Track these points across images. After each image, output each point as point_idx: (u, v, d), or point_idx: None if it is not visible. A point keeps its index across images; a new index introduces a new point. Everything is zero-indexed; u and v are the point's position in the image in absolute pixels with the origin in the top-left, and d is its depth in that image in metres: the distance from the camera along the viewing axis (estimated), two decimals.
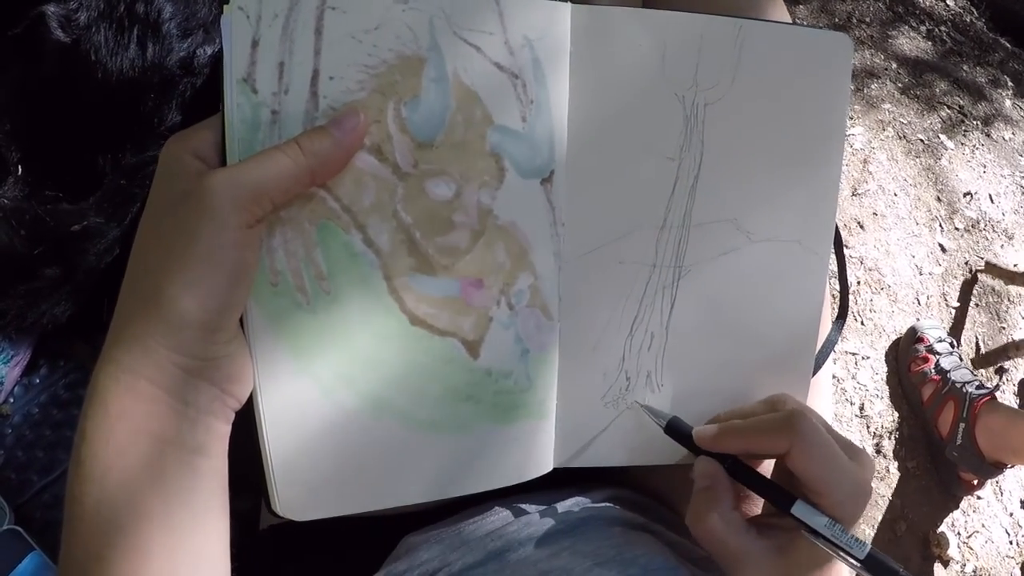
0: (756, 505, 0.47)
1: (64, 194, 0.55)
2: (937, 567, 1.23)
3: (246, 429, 0.39)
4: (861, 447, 0.43)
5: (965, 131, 1.65)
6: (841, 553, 0.38)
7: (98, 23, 0.51)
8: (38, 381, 0.63)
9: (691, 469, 0.43)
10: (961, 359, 1.31)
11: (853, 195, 1.45)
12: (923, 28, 1.78)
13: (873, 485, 1.24)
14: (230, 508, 0.38)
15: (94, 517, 0.34)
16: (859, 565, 0.38)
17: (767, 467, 0.44)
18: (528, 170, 0.43)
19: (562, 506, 0.49)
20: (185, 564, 0.35)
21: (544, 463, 0.47)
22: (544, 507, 0.49)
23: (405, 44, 0.39)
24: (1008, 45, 1.86)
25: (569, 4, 0.42)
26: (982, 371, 1.41)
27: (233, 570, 0.38)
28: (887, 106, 1.60)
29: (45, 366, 0.64)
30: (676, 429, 0.45)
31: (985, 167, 1.62)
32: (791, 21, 0.56)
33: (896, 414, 1.31)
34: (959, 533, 1.27)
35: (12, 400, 0.62)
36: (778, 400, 0.45)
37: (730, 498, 0.41)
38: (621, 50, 0.43)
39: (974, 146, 1.64)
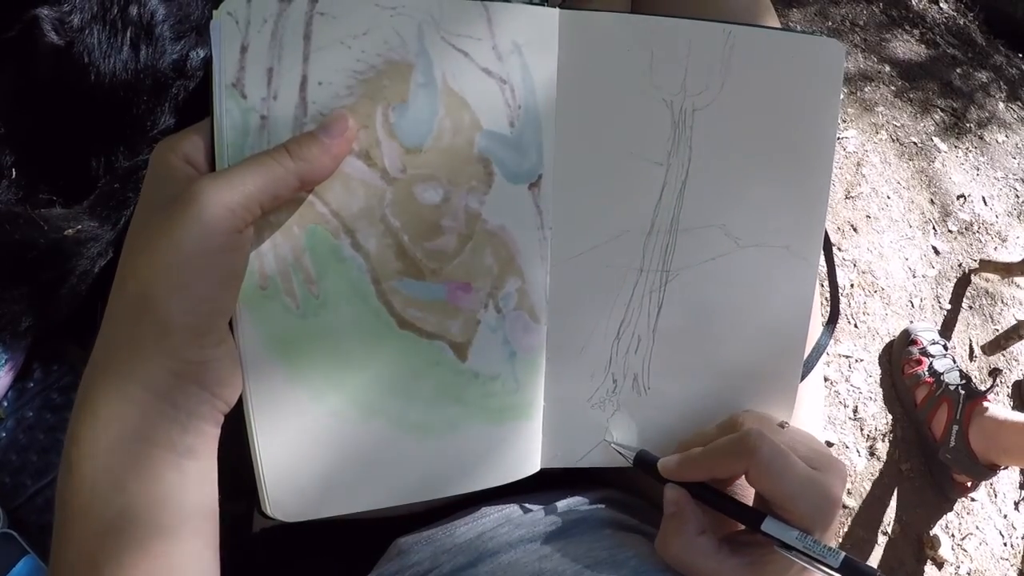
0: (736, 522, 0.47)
1: (58, 198, 0.55)
2: (931, 569, 1.24)
3: (238, 432, 0.39)
4: (831, 455, 0.43)
5: (958, 134, 1.66)
6: (816, 564, 0.39)
7: (91, 25, 0.51)
8: (32, 385, 0.63)
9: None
10: (954, 361, 1.32)
11: (846, 198, 1.46)
12: (917, 32, 1.78)
13: (867, 487, 1.25)
14: (223, 511, 0.38)
15: (84, 520, 0.34)
16: (835, 573, 0.38)
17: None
18: (516, 175, 0.43)
19: (553, 508, 0.49)
20: (174, 566, 0.35)
21: (531, 464, 0.47)
22: (535, 509, 0.49)
23: (393, 49, 0.39)
24: (1002, 48, 1.87)
25: (557, 9, 0.43)
26: (975, 373, 1.41)
27: (224, 573, 0.38)
28: (881, 109, 1.61)
29: (39, 370, 0.63)
30: (644, 462, 0.45)
31: (978, 170, 1.63)
32: (781, 27, 0.55)
33: (889, 416, 1.31)
34: (953, 535, 1.27)
35: (6, 404, 0.62)
36: (735, 421, 0.45)
37: (697, 522, 0.41)
38: (609, 55, 0.43)
39: (967, 149, 1.65)
